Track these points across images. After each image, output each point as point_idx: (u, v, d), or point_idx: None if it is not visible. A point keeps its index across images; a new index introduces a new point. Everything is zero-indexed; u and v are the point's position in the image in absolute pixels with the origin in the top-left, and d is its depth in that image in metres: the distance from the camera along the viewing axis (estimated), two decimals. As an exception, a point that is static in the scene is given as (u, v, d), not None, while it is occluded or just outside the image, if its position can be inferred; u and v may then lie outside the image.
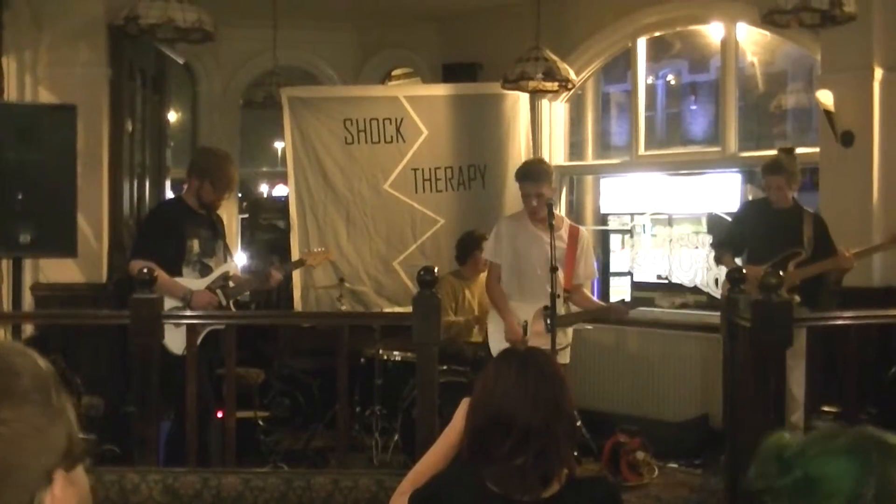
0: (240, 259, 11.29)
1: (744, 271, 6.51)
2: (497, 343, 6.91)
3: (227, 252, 7.41)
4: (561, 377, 3.18)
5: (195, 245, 7.03)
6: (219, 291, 6.97)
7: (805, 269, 6.93)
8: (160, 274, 6.78)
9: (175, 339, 6.51)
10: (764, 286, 5.12)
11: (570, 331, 7.03)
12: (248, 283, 7.41)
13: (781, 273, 5.72)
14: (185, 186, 7.23)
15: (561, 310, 6.73)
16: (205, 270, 7.00)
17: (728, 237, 7.79)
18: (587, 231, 7.42)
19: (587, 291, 7.39)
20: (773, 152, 9.25)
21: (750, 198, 9.29)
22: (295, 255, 9.25)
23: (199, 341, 6.41)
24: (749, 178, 9.61)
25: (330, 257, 8.47)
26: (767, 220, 7.48)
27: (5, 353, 1.44)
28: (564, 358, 6.88)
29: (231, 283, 7.10)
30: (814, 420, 6.75)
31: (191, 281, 6.88)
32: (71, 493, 1.42)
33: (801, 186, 7.71)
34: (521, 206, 7.21)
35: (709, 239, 8.74)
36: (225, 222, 10.20)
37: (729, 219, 8.62)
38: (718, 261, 7.95)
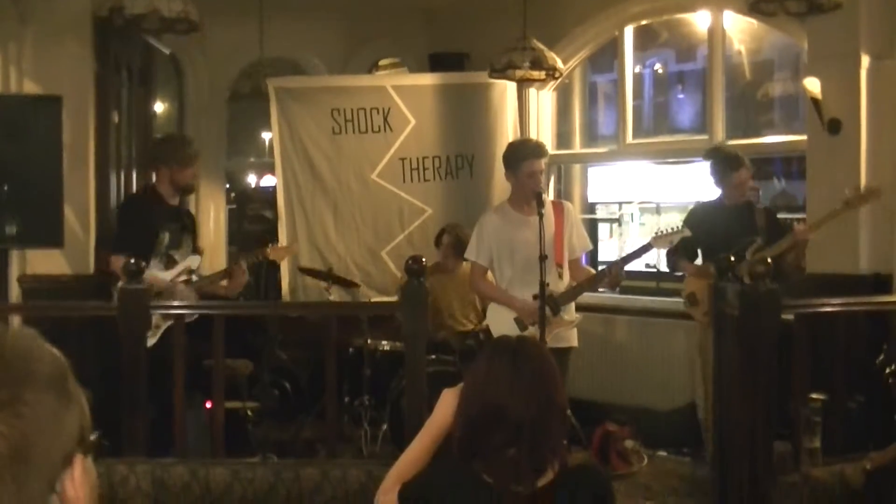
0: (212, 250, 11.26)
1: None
2: (502, 330, 6.72)
3: (195, 245, 7.39)
4: (553, 367, 3.17)
5: (165, 237, 7.05)
6: (181, 285, 6.96)
7: (763, 254, 6.95)
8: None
9: None
10: (752, 274, 5.12)
11: (573, 309, 6.94)
12: (211, 278, 7.36)
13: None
14: (154, 178, 7.23)
15: (560, 289, 6.72)
16: (170, 263, 7.01)
17: (681, 244, 7.78)
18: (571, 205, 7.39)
19: (582, 265, 7.32)
20: (762, 140, 9.29)
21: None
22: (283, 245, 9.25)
23: (158, 335, 6.47)
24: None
25: (294, 251, 8.43)
26: (721, 219, 7.53)
27: (24, 340, 1.49)
28: (571, 340, 6.85)
29: (194, 277, 7.09)
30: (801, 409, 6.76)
31: (156, 274, 6.88)
32: (85, 480, 1.45)
33: (789, 175, 7.74)
34: (507, 195, 7.17)
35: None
36: (212, 214, 10.23)
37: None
38: (674, 267, 7.95)
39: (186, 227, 7.27)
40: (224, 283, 7.29)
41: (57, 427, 1.42)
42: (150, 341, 6.59)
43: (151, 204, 7.10)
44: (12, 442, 1.35)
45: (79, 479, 1.44)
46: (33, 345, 1.48)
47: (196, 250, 7.36)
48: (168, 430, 5.67)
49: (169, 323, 6.53)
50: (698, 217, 7.77)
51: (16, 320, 7.43)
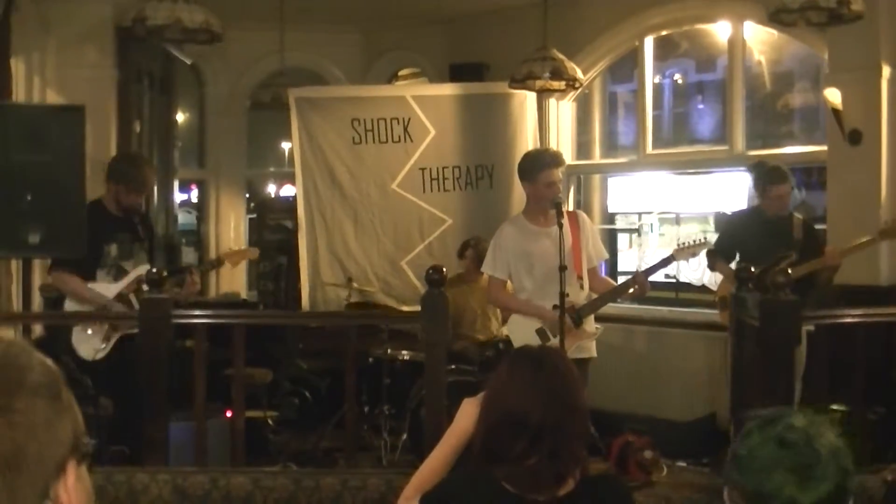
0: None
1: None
2: (524, 342, 6.66)
3: (150, 255, 7.34)
4: (575, 376, 3.18)
5: (112, 249, 7.01)
6: (132, 296, 6.94)
7: (795, 270, 6.94)
8: (78, 284, 6.81)
9: (85, 345, 6.59)
10: (772, 285, 5.12)
11: (592, 320, 6.90)
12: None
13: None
14: (105, 191, 7.23)
15: (581, 300, 6.70)
16: (119, 274, 6.98)
17: (720, 245, 7.79)
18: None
19: (601, 275, 7.30)
20: (782, 151, 9.26)
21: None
22: (302, 255, 9.27)
23: (109, 346, 6.53)
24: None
25: (250, 256, 8.39)
26: (760, 228, 7.51)
27: (14, 349, 1.49)
28: (591, 351, 6.84)
29: (145, 287, 7.07)
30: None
31: (103, 286, 6.87)
32: (80, 488, 1.46)
33: (809, 185, 7.72)
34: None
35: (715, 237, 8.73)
36: (232, 223, 10.23)
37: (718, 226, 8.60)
38: (712, 267, 7.98)
39: (139, 236, 7.23)
40: (176, 290, 7.27)
41: (49, 435, 1.43)
42: (101, 354, 6.67)
43: (97, 217, 7.08)
44: (3, 450, 1.37)
45: (72, 487, 1.45)
46: (23, 354, 1.48)
47: (151, 260, 7.30)
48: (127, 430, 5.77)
49: (119, 334, 6.62)
50: (738, 223, 7.83)
51: (38, 329, 7.49)
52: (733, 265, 7.71)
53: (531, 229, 6.79)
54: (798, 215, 7.66)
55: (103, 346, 6.67)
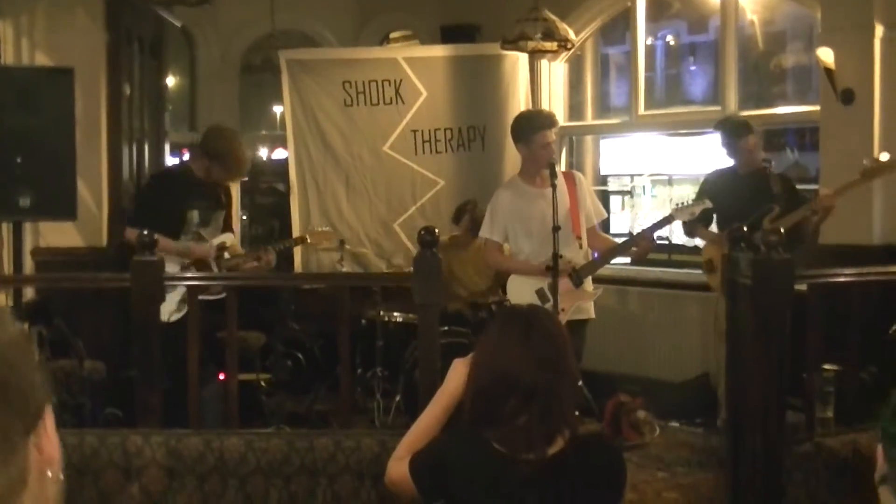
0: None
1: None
2: (523, 300, 6.63)
3: (229, 223, 7.37)
4: (564, 335, 3.17)
5: (194, 215, 7.03)
6: (211, 261, 6.96)
7: (782, 221, 6.92)
8: (161, 238, 6.77)
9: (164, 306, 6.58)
10: (765, 244, 5.11)
11: (590, 281, 6.90)
12: (241, 258, 7.34)
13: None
14: (194, 157, 7.20)
15: (580, 260, 6.71)
16: (199, 241, 7.00)
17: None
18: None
19: (602, 233, 7.30)
20: (775, 111, 9.25)
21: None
22: (295, 219, 9.26)
23: (183, 311, 6.48)
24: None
25: (333, 237, 8.43)
26: (735, 186, 7.52)
27: None
28: (590, 312, 6.85)
29: (226, 255, 7.08)
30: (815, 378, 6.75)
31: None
32: (55, 434, 1.46)
33: (802, 146, 7.70)
34: (519, 167, 7.13)
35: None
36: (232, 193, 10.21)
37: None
38: (691, 234, 7.97)
39: (220, 204, 7.24)
40: (254, 264, 7.27)
41: (27, 377, 1.41)
42: (176, 315, 6.62)
43: (183, 181, 7.08)
44: None
45: (51, 430, 1.45)
46: None
47: (227, 227, 7.33)
48: (184, 403, 5.70)
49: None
50: (713, 184, 7.77)
51: (29, 292, 7.48)
52: (713, 227, 7.73)
53: (528, 191, 6.80)
54: (773, 170, 7.65)
55: (177, 308, 6.63)
